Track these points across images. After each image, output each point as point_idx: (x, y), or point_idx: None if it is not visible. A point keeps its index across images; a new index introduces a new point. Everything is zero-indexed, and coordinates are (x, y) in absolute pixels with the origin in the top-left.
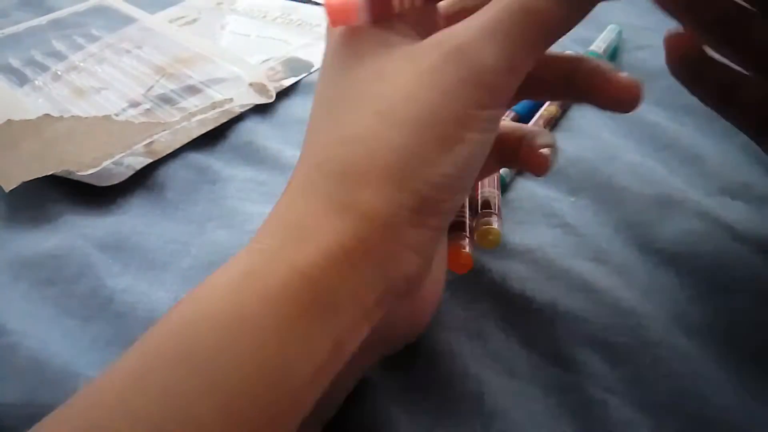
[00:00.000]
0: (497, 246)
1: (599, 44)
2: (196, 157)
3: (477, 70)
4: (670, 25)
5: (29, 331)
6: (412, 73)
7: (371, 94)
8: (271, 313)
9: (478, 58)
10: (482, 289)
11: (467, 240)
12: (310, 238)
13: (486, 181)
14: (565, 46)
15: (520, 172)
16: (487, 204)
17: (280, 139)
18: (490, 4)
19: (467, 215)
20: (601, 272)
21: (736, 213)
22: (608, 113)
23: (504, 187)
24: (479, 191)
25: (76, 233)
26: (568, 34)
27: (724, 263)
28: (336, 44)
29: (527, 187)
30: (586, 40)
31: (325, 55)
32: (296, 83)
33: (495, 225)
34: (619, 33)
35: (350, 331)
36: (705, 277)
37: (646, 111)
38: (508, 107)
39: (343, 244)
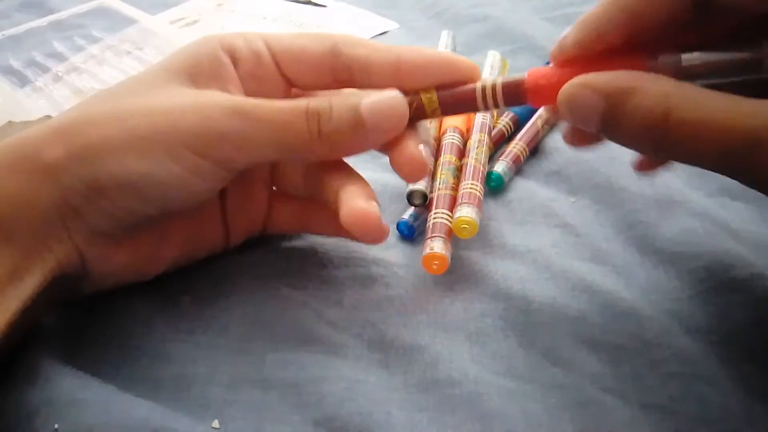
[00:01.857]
0: (473, 234)
1: None
2: None
3: (215, 130)
4: None
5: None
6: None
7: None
8: None
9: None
10: (482, 289)
11: (441, 241)
12: None
13: (468, 174)
14: None
15: (518, 172)
16: (464, 196)
17: None
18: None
19: (447, 216)
20: (600, 272)
21: (735, 213)
22: None
23: (503, 186)
24: (461, 184)
25: None
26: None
27: (724, 263)
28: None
29: (527, 188)
30: None
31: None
32: None
33: (469, 214)
34: None
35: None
36: (705, 278)
37: None
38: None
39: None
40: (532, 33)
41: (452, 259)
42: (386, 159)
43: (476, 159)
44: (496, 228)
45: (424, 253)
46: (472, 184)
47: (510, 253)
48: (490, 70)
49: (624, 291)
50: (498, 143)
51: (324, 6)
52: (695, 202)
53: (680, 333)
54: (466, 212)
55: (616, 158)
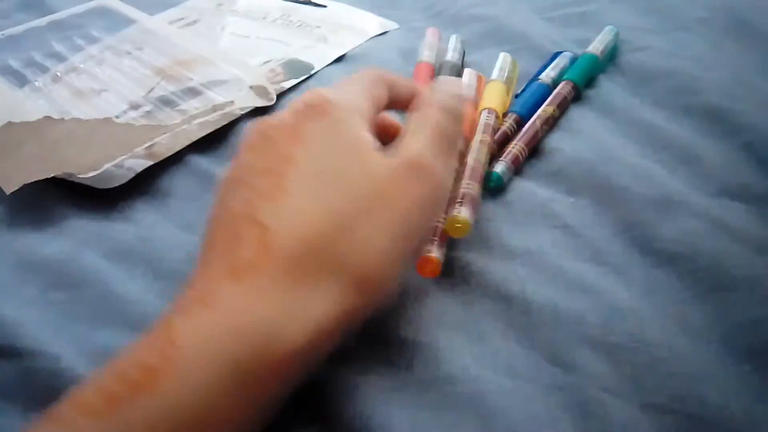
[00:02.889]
0: (467, 233)
1: (596, 45)
2: (197, 161)
3: (437, 183)
4: (669, 26)
5: (43, 337)
6: (390, 182)
7: (359, 191)
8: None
9: (436, 173)
10: (482, 290)
11: (433, 245)
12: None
13: (466, 175)
14: (563, 47)
15: (518, 172)
16: (459, 195)
17: None
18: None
19: (440, 219)
20: (600, 273)
21: (735, 213)
22: (608, 114)
23: (502, 187)
24: (458, 184)
25: (79, 238)
26: (565, 35)
27: (724, 264)
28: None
29: (526, 188)
30: (584, 41)
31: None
32: (296, 85)
33: (462, 213)
34: (616, 34)
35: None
36: (704, 278)
37: (645, 112)
38: None
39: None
40: (532, 33)
41: (452, 259)
42: None
43: (476, 159)
44: (496, 228)
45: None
46: (468, 183)
47: (510, 253)
48: (499, 71)
49: (624, 291)
50: (502, 144)
51: (324, 6)
52: (694, 203)
53: (680, 333)
54: (458, 212)
55: (615, 159)
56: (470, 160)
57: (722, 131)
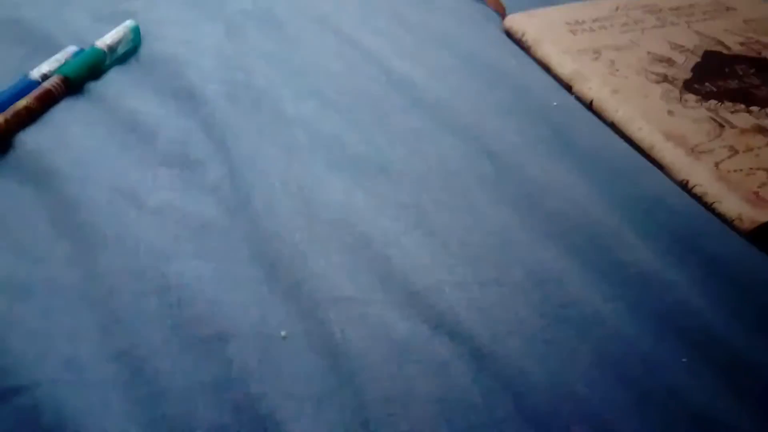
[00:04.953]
0: None
1: (104, 39)
2: None
3: None
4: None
5: None
6: None
7: None
8: None
9: None
10: None
11: None
12: None
13: None
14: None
15: None
16: None
17: None
18: None
19: None
20: None
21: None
22: (97, 105)
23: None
24: None
25: None
26: (104, 33)
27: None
28: None
29: None
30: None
31: None
32: None
33: None
34: (135, 28)
35: None
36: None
37: (135, 99)
38: None
39: None
40: (59, 32)
41: None
42: None
43: None
44: None
45: None
46: None
47: None
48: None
49: None
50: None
51: None
52: None
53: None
54: None
55: (74, 148)
56: None
57: None
